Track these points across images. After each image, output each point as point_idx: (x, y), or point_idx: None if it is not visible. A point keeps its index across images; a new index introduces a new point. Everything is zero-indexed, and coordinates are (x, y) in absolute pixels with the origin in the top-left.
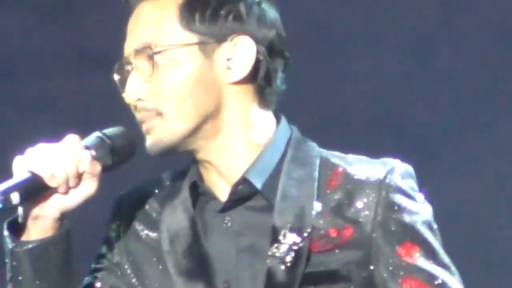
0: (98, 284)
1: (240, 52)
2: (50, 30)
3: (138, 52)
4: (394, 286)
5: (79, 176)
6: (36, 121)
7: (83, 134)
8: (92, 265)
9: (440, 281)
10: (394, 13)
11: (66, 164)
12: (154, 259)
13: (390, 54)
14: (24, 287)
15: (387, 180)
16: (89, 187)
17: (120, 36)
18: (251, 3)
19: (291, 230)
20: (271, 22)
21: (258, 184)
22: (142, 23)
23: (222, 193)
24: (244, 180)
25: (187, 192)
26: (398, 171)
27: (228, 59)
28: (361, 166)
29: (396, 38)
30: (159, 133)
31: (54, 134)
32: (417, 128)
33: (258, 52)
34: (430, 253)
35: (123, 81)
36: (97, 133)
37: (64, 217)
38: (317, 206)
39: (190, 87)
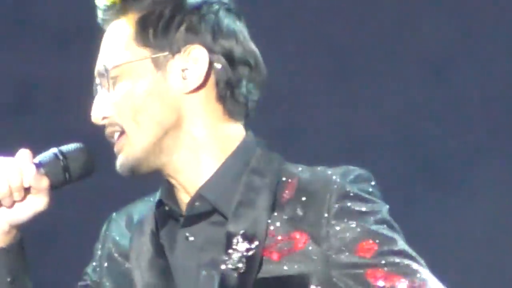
0: None
1: (193, 62)
2: (70, 56)
3: (99, 73)
4: (360, 285)
5: (25, 191)
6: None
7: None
8: (79, 284)
9: (405, 263)
10: (415, 36)
11: (10, 176)
12: (127, 276)
13: (412, 77)
14: None
15: (335, 186)
16: (38, 202)
17: None
18: (206, 13)
19: (244, 237)
20: (229, 32)
21: (213, 199)
22: (104, 45)
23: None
24: (200, 196)
25: (153, 211)
26: (349, 176)
27: (183, 70)
28: (315, 175)
29: (417, 61)
30: (125, 151)
31: None
32: (439, 151)
33: (213, 61)
34: (388, 244)
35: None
36: (52, 149)
37: (15, 230)
38: (272, 215)
39: (144, 100)
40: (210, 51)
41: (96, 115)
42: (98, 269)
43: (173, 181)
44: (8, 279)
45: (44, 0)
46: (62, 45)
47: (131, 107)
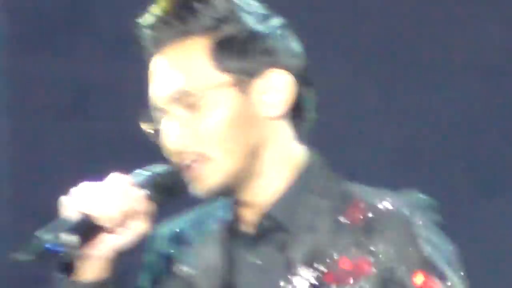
0: None
1: (275, 86)
2: (127, 60)
3: (174, 99)
4: None
5: (133, 216)
6: (115, 154)
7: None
8: None
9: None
10: (471, 42)
11: (121, 203)
12: None
13: (466, 84)
14: None
15: (407, 214)
16: (141, 226)
17: None
18: (278, 35)
19: (306, 262)
20: (297, 52)
21: (281, 218)
22: (172, 69)
23: (254, 228)
24: (268, 216)
25: (220, 228)
26: (420, 205)
27: (264, 94)
28: (381, 199)
29: (472, 68)
30: (208, 177)
31: (136, 165)
32: (491, 160)
33: (294, 83)
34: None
35: (156, 129)
36: (145, 171)
37: (118, 257)
38: (336, 241)
39: (233, 127)
40: (289, 73)
41: (173, 143)
42: (150, 282)
43: (245, 204)
44: None
45: (101, 3)
46: (119, 48)
47: (219, 135)
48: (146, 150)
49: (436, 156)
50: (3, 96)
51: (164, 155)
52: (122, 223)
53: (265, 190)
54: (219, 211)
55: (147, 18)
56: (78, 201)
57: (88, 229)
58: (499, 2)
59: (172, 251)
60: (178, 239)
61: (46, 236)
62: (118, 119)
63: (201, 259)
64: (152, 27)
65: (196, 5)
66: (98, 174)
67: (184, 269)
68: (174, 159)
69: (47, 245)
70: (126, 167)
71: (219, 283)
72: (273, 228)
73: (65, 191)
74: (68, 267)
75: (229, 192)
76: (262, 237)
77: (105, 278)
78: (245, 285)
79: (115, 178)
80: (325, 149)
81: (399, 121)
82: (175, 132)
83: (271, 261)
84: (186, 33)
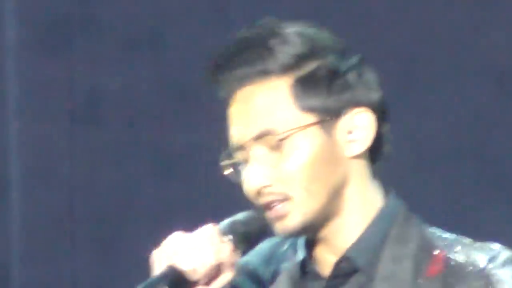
0: None
1: (359, 125)
2: (135, 60)
3: (257, 139)
4: None
5: (219, 267)
6: (127, 157)
7: (171, 170)
8: None
9: None
10: (484, 44)
11: (208, 257)
12: None
13: (480, 86)
14: None
15: (488, 269)
16: (227, 274)
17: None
18: (358, 70)
19: None
20: (376, 85)
21: (359, 261)
22: (254, 109)
23: (328, 269)
24: (346, 258)
25: (295, 269)
26: (501, 259)
27: (349, 132)
28: (461, 252)
29: (486, 69)
30: (290, 218)
31: (150, 168)
32: (502, 161)
33: (374, 120)
34: None
35: (235, 169)
36: (230, 220)
37: None
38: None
39: (317, 168)
40: (370, 110)
41: (256, 183)
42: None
43: (322, 243)
44: None
45: (113, 8)
46: (131, 53)
47: (304, 176)
48: (158, 155)
49: (445, 160)
50: (15, 100)
51: (246, 196)
52: (211, 276)
53: (344, 230)
54: (289, 249)
55: (222, 58)
56: (167, 255)
57: (178, 283)
58: (508, 6)
59: (253, 280)
60: (252, 277)
61: None
62: (130, 125)
63: None
64: (229, 67)
65: (273, 42)
66: (110, 179)
67: None
68: (256, 199)
69: None
70: (137, 173)
71: None
72: (351, 270)
73: (75, 196)
74: None
75: (310, 232)
76: (337, 279)
77: None
78: None
79: (205, 230)
80: None
81: (407, 124)
82: (258, 172)
83: None
84: (266, 73)
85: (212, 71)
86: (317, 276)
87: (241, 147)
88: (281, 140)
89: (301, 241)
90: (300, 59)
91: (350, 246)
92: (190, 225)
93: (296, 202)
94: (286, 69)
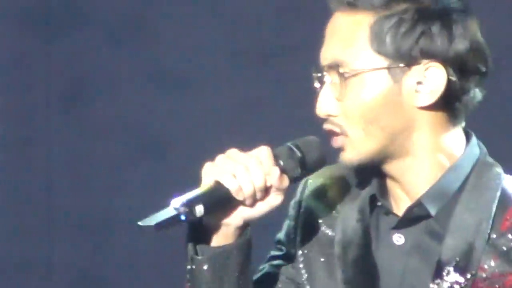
0: (276, 274)
1: (430, 78)
2: (123, 51)
3: (330, 68)
4: None
5: (267, 190)
6: (108, 143)
7: (156, 154)
8: (271, 252)
9: None
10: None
11: (255, 178)
12: (322, 259)
13: None
14: None
15: None
16: (274, 199)
17: (190, 56)
18: (444, 24)
19: (456, 268)
20: (466, 40)
21: (433, 209)
22: (335, 37)
23: (401, 208)
24: (419, 203)
25: (366, 202)
26: None
27: (418, 83)
28: None
29: None
30: (348, 152)
31: (127, 157)
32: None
33: (449, 75)
34: None
35: (318, 89)
36: (288, 144)
37: (247, 225)
38: (487, 246)
39: (377, 111)
40: (446, 64)
41: (321, 110)
42: (292, 238)
43: (392, 180)
44: (236, 274)
45: None
46: (116, 38)
47: (363, 116)
48: (143, 137)
49: None
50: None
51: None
52: (254, 197)
53: (414, 171)
54: (365, 179)
55: None
56: (216, 170)
57: (220, 200)
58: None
59: (320, 208)
60: (324, 195)
61: (175, 204)
62: (116, 108)
63: (344, 230)
64: None
65: None
66: (92, 161)
67: (326, 232)
68: (324, 126)
69: (173, 214)
70: (125, 153)
71: (357, 258)
72: (424, 215)
73: (64, 183)
74: (199, 230)
75: (373, 166)
76: (409, 221)
77: (231, 246)
78: (385, 268)
79: (258, 152)
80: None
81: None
82: (327, 100)
83: (415, 245)
84: (353, 5)
85: None
86: (388, 212)
87: (321, 70)
88: (350, 74)
89: (371, 176)
90: (389, 2)
91: (425, 192)
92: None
93: (352, 139)
94: (373, 6)
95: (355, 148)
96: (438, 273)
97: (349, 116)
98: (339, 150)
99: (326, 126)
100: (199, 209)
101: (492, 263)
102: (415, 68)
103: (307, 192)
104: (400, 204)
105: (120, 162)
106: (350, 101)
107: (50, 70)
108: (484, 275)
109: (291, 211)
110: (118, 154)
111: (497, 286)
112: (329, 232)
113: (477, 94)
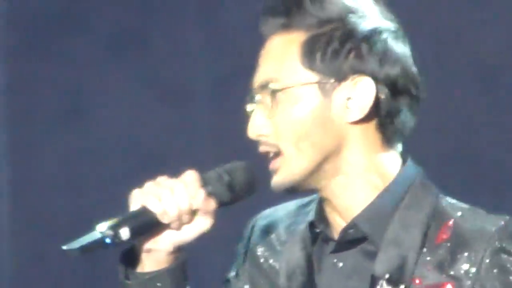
0: None
1: (360, 93)
2: (121, 62)
3: (261, 87)
4: None
5: (192, 213)
6: (106, 156)
7: (153, 168)
8: None
9: None
10: (470, 42)
11: (180, 201)
12: None
13: (466, 84)
14: None
15: (495, 239)
16: (203, 222)
17: (186, 68)
18: (376, 41)
19: (389, 281)
20: (396, 59)
21: (367, 229)
22: (267, 58)
23: (338, 232)
24: (354, 225)
25: (307, 230)
26: (509, 230)
27: (348, 99)
28: (471, 221)
29: (472, 67)
30: (282, 173)
31: (134, 167)
32: (489, 163)
33: (378, 92)
34: None
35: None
36: (216, 169)
37: (179, 250)
38: (420, 258)
39: (308, 126)
40: (376, 81)
41: (253, 131)
42: (241, 276)
43: (327, 204)
44: None
45: (97, 6)
46: (114, 51)
47: (294, 132)
48: (148, 153)
49: (433, 157)
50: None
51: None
52: (181, 220)
53: (347, 192)
54: (312, 210)
55: (266, 4)
56: (142, 195)
57: (146, 224)
58: (498, 4)
59: (266, 243)
60: (270, 232)
61: (101, 228)
62: (116, 123)
63: (288, 260)
64: (263, 15)
65: (308, 4)
66: (87, 178)
67: (272, 264)
68: (259, 149)
69: (98, 238)
70: (123, 169)
71: (301, 281)
72: (359, 237)
73: (63, 197)
74: (133, 256)
75: (304, 189)
76: (345, 244)
77: (163, 271)
78: (327, 285)
79: (184, 176)
80: None
81: None
82: (257, 120)
83: (354, 268)
84: (288, 27)
85: (260, 18)
86: (326, 238)
87: (253, 93)
88: (279, 91)
89: (312, 205)
90: (323, 22)
91: (359, 213)
92: None
93: (286, 157)
94: (306, 26)
95: (288, 167)
96: (372, 287)
97: (281, 132)
98: (271, 175)
99: (262, 148)
100: (124, 233)
101: (426, 274)
102: (344, 84)
103: (255, 231)
104: (338, 228)
105: (117, 176)
106: (281, 117)
107: (47, 83)
108: (418, 285)
109: (240, 250)
110: (115, 167)
111: None
112: (276, 265)
113: (408, 118)
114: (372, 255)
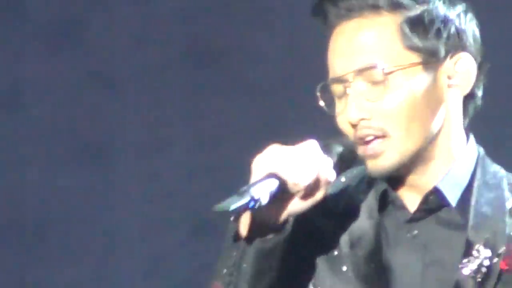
0: None
1: (461, 70)
2: (60, 54)
3: (360, 72)
4: None
5: (319, 184)
6: (50, 145)
7: (93, 159)
8: None
9: None
10: None
11: (312, 172)
12: (324, 259)
13: None
14: (241, 283)
15: None
16: (319, 193)
17: (127, 58)
18: (466, 20)
19: (486, 245)
20: (477, 36)
21: (450, 197)
22: (360, 42)
23: (412, 203)
24: (436, 191)
25: (374, 198)
26: None
27: (449, 77)
28: None
29: None
30: (387, 157)
31: (72, 156)
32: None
33: (475, 68)
34: None
35: (331, 100)
36: (328, 141)
37: (288, 219)
38: (510, 226)
39: (418, 108)
40: (473, 58)
41: (355, 115)
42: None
43: (405, 183)
44: (275, 273)
45: None
46: (52, 42)
47: (405, 115)
48: (89, 141)
49: None
50: None
51: (341, 129)
52: (307, 190)
53: (430, 174)
54: (361, 183)
55: None
56: (271, 163)
57: (277, 192)
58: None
59: (323, 207)
60: (341, 197)
61: (255, 193)
62: (53, 110)
63: (351, 228)
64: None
65: None
66: (24, 165)
67: (327, 231)
68: (351, 133)
69: (247, 201)
70: (61, 154)
71: (368, 255)
72: (439, 204)
73: (4, 182)
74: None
75: (399, 173)
76: (423, 212)
77: (274, 239)
78: (401, 263)
79: (308, 145)
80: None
81: None
82: (358, 104)
83: (433, 237)
84: (377, 8)
85: (319, 1)
86: (400, 207)
87: (342, 80)
88: (385, 75)
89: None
90: (415, 2)
91: (441, 180)
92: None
93: (394, 140)
94: (396, 7)
95: (396, 150)
96: (467, 252)
97: (389, 116)
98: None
99: (362, 132)
100: (264, 199)
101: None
102: (446, 63)
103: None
104: (410, 199)
105: (57, 166)
106: (388, 100)
107: None
108: (510, 252)
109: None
110: (54, 158)
111: None
112: (334, 235)
113: (481, 93)
114: (452, 224)
